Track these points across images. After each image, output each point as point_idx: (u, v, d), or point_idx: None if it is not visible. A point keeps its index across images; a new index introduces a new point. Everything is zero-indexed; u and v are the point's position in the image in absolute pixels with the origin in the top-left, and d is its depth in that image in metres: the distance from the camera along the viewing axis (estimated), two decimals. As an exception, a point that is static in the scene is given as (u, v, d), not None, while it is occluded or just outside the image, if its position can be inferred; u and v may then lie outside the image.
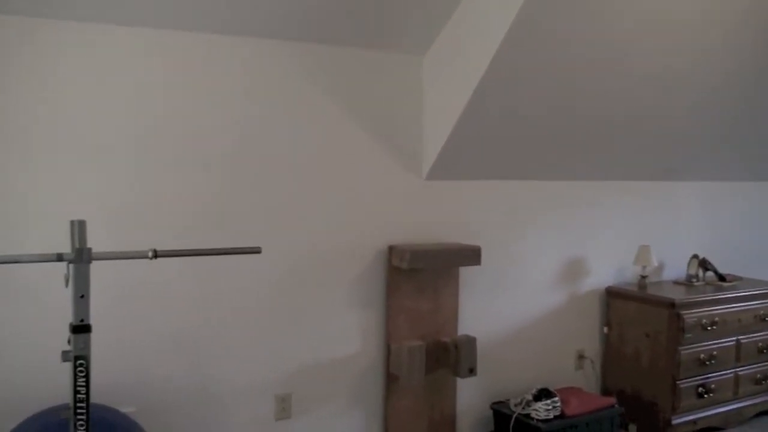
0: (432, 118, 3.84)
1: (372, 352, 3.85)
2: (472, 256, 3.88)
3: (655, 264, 4.71)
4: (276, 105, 3.47)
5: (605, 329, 4.75)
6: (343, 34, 3.52)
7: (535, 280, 4.47)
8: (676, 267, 5.14)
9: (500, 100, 3.59)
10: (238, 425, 3.50)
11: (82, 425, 2.31)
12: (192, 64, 3.26)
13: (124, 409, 2.99)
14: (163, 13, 3.08)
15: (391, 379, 3.84)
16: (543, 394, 4.03)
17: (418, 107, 3.89)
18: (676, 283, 4.97)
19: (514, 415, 3.98)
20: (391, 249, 3.80)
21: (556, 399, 3.99)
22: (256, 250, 2.59)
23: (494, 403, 4.20)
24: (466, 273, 4.09)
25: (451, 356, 3.85)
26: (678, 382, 4.35)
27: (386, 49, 3.72)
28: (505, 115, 3.71)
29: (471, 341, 3.85)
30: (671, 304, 4.32)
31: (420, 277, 3.87)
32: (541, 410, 3.93)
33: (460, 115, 3.59)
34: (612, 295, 4.72)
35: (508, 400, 4.17)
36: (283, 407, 3.59)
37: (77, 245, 2.27)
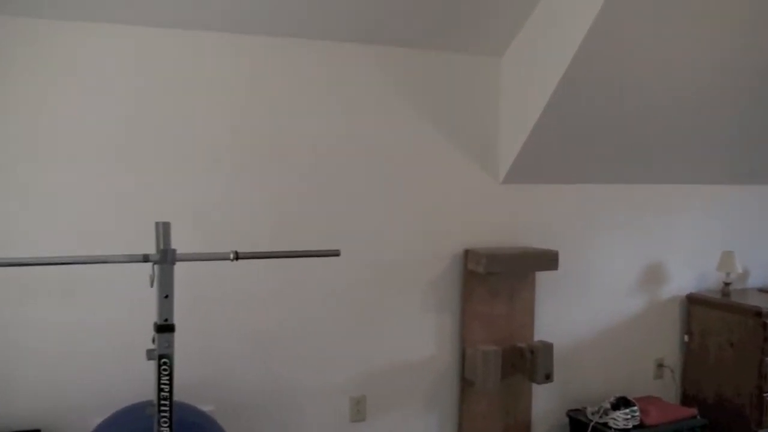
0: (509, 120, 3.79)
1: (447, 356, 3.83)
2: (549, 260, 3.82)
3: (740, 270, 4.55)
4: (354, 109, 3.49)
5: (686, 337, 4.62)
6: (421, 37, 3.51)
7: (613, 285, 4.37)
8: (762, 274, 4.96)
9: (579, 101, 3.52)
10: (314, 426, 3.53)
11: (165, 422, 2.36)
12: (271, 69, 3.31)
13: (204, 407, 3.05)
14: (247, 18, 3.13)
15: (466, 384, 3.82)
16: (621, 402, 3.94)
17: (495, 109, 3.85)
18: (762, 290, 4.80)
19: (592, 424, 3.91)
20: (467, 253, 3.77)
21: (635, 408, 3.89)
22: (335, 253, 2.60)
23: (570, 411, 4.12)
24: (542, 277, 4.03)
25: (526, 362, 3.80)
26: (765, 395, 4.19)
27: (464, 51, 3.69)
28: (583, 117, 3.63)
29: (548, 347, 3.78)
30: (757, 313, 4.17)
31: (496, 281, 3.83)
32: (620, 419, 3.84)
33: (539, 118, 3.54)
34: (693, 302, 4.58)
35: (585, 408, 4.10)
36: (358, 409, 3.61)
37: (162, 246, 2.32)
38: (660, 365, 4.61)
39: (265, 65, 3.30)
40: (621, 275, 4.40)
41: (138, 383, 3.00)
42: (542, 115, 3.52)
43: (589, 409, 4.03)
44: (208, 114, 3.21)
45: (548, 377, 3.77)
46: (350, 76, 3.47)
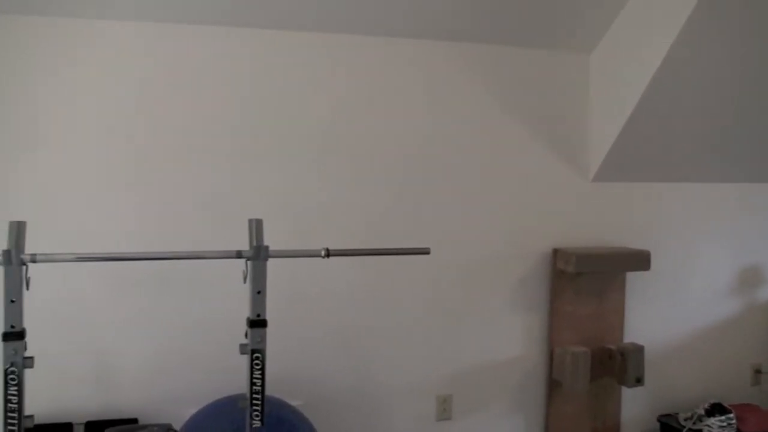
0: (599, 117, 3.71)
1: (534, 356, 3.78)
2: (640, 260, 3.72)
3: (843, 274, 4.34)
4: (443, 107, 3.49)
5: (785, 343, 4.44)
6: (510, 34, 3.48)
7: (707, 287, 4.22)
8: None
9: (672, 98, 3.41)
10: (400, 423, 3.54)
11: (257, 415, 2.40)
12: (363, 68, 3.35)
13: (293, 402, 3.09)
14: (342, 18, 3.18)
15: (553, 385, 3.76)
16: (716, 409, 3.81)
17: (584, 107, 3.77)
18: None
19: (684, 430, 3.79)
20: (556, 252, 3.71)
21: (731, 416, 3.75)
22: (425, 251, 2.60)
23: (662, 416, 4.01)
24: (633, 278, 3.93)
25: (616, 364, 3.71)
26: None
27: (553, 47, 3.63)
28: (676, 114, 3.52)
29: (638, 350, 3.69)
30: None
31: (585, 281, 3.75)
32: (715, 426, 3.71)
33: (630, 115, 3.45)
34: (794, 307, 4.39)
35: (677, 413, 3.97)
36: (444, 408, 3.60)
37: (255, 243, 2.36)
38: (757, 371, 4.43)
39: (357, 64, 3.33)
40: (715, 277, 4.25)
41: (230, 377, 3.08)
42: (634, 112, 3.43)
43: (682, 415, 3.91)
44: (301, 113, 3.27)
45: (639, 380, 3.68)
46: (439, 74, 3.46)
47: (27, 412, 2.24)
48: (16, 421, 2.20)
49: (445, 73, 3.47)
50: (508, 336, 3.73)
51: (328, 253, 2.45)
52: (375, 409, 3.49)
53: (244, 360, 2.43)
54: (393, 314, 3.49)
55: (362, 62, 3.34)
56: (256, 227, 2.39)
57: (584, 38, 3.63)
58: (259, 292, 2.37)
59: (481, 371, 3.67)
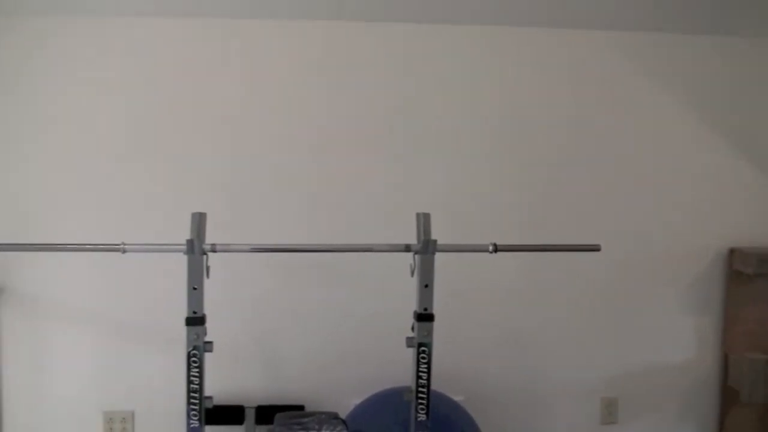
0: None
1: (706, 361, 3.57)
2: (831, 263, 3.42)
3: None
4: (614, 101, 3.36)
5: None
6: (687, 21, 3.29)
7: None
8: None
9: None
10: (563, 425, 3.46)
11: (422, 409, 2.41)
12: (511, 59, 3.30)
13: (455, 397, 3.08)
14: (495, 9, 3.13)
15: (728, 394, 3.53)
16: None
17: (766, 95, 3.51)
18: None
19: None
20: (732, 252, 3.48)
21: None
22: (595, 248, 2.51)
23: None
24: (820, 282, 3.62)
25: (801, 374, 3.44)
26: None
27: (734, 34, 3.40)
28: None
29: (828, 360, 3.40)
30: None
31: (765, 283, 3.50)
32: None
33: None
34: None
35: None
36: (609, 411, 3.47)
37: (423, 237, 2.36)
38: None
39: (524, 57, 3.29)
40: None
41: (394, 369, 3.10)
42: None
43: None
44: (463, 107, 3.25)
45: (826, 393, 3.39)
46: (608, 65, 3.33)
47: (206, 393, 2.36)
48: (197, 401, 2.32)
49: (616, 64, 3.34)
50: (678, 339, 3.53)
51: (496, 249, 2.41)
52: (537, 409, 3.42)
53: (409, 353, 2.44)
54: (557, 311, 3.40)
55: (530, 55, 3.28)
56: (424, 221, 2.39)
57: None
58: (426, 286, 2.37)
59: (648, 374, 3.50)
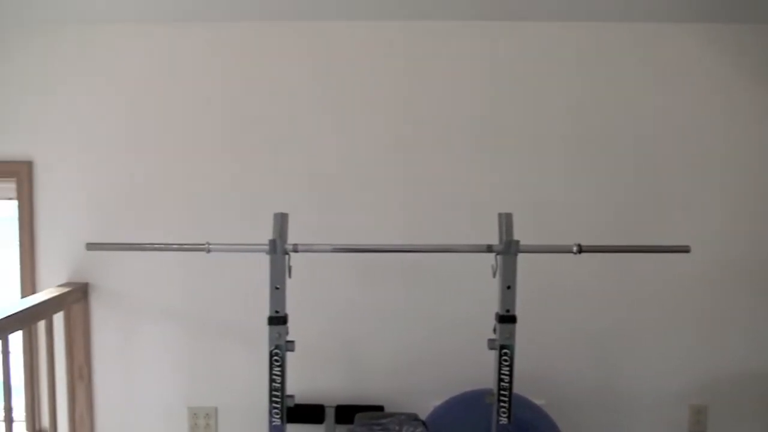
0: None
1: (803, 370, 3.41)
2: None
3: None
4: (703, 98, 3.23)
5: None
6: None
7: None
8: None
9: None
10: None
11: (504, 412, 2.37)
12: (593, 57, 3.21)
13: (536, 401, 3.02)
14: (581, 6, 3.07)
15: (827, 404, 3.37)
16: None
17: None
18: None
19: None
20: (832, 254, 3.31)
21: None
22: (684, 249, 2.42)
23: None
24: None
25: None
26: None
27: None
28: None
29: None
30: None
31: None
32: None
33: None
34: None
35: None
36: (698, 419, 3.34)
37: (505, 237, 2.33)
38: None
39: (586, 53, 3.21)
40: None
41: (473, 371, 3.07)
42: None
43: None
44: (546, 105, 3.20)
45: None
46: (685, 60, 3.22)
47: (288, 392, 2.38)
48: (279, 400, 2.35)
49: (710, 59, 3.22)
50: (773, 345, 3.39)
51: (581, 249, 2.35)
52: (621, 415, 3.32)
53: (489, 355, 2.41)
54: (643, 314, 3.29)
55: (612, 51, 3.20)
56: (506, 221, 2.36)
57: None
58: (508, 287, 2.34)
59: (741, 383, 3.36)
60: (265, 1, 3.07)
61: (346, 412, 3.16)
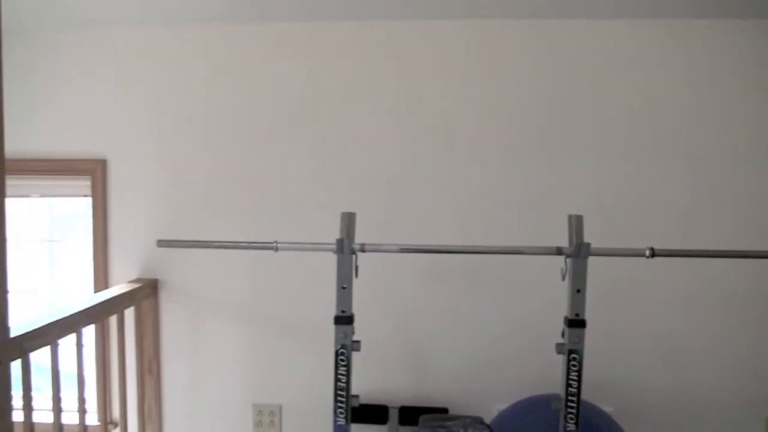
0: None
1: None
2: None
3: None
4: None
5: None
6: None
7: None
8: None
9: None
10: (721, 443, 3.25)
11: (572, 418, 2.32)
12: (678, 52, 3.12)
13: (605, 408, 2.96)
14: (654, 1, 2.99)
15: None
16: None
17: None
18: None
19: None
20: None
21: None
22: (765, 255, 2.34)
23: None
24: None
25: None
26: None
27: None
28: None
29: None
30: None
31: None
32: None
33: None
34: None
35: None
36: (775, 432, 3.23)
37: (576, 240, 2.28)
38: None
39: (655, 48, 3.12)
40: None
41: (539, 375, 3.03)
42: None
43: None
44: (615, 104, 3.12)
45: None
46: (757, 59, 3.11)
47: (354, 392, 2.38)
48: (344, 399, 2.35)
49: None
50: None
51: (653, 253, 2.29)
52: (692, 425, 3.21)
53: (556, 359, 2.37)
54: (718, 321, 3.17)
55: (694, 48, 3.11)
56: (576, 223, 2.31)
57: None
58: (578, 291, 2.29)
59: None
60: (338, 1, 3.07)
61: (409, 414, 3.15)
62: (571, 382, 2.31)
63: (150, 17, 3.22)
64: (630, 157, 3.14)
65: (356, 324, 2.37)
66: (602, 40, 3.12)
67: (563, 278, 2.32)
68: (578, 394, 2.32)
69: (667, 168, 3.14)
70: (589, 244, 2.26)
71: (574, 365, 2.31)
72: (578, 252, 2.27)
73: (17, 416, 2.12)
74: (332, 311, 2.35)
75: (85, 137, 3.33)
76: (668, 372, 3.21)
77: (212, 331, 3.35)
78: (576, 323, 2.29)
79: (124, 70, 3.31)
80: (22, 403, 2.24)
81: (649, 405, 3.22)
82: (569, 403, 2.32)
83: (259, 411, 3.35)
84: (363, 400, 3.21)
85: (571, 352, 2.30)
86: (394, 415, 3.19)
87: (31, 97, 3.29)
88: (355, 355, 2.38)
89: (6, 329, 2.03)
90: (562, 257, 2.32)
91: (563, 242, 2.35)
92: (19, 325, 2.22)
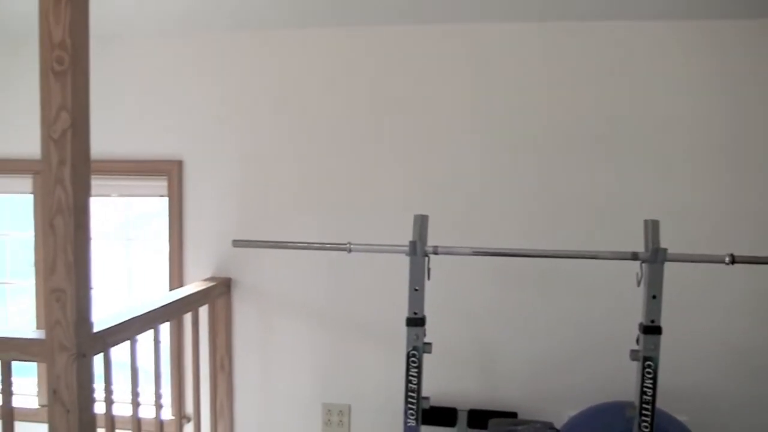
0: None
1: None
2: None
3: None
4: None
5: None
6: None
7: None
8: None
9: None
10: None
11: (646, 427, 2.29)
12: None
13: (679, 417, 2.90)
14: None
15: None
16: None
17: None
18: None
19: None
20: None
21: None
22: None
23: None
24: None
25: None
26: None
27: None
28: None
29: None
30: None
31: None
32: None
33: None
34: None
35: None
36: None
37: (652, 245, 2.24)
38: None
39: (730, 50, 3.03)
40: None
41: (611, 382, 2.98)
42: None
43: None
44: (690, 106, 3.06)
45: None
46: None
47: (423, 393, 2.39)
48: (414, 401, 2.36)
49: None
50: None
51: (733, 260, 2.24)
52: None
53: (629, 366, 2.33)
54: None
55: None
56: (652, 228, 2.27)
57: None
58: (654, 297, 2.25)
59: None
60: (419, 5, 3.08)
61: (478, 417, 3.14)
62: (645, 389, 2.28)
63: (234, 23, 3.29)
64: (710, 160, 3.06)
65: (427, 326, 2.38)
66: (674, 41, 3.05)
67: (638, 284, 2.29)
68: (653, 402, 2.28)
69: (754, 170, 3.05)
70: (666, 250, 2.22)
71: (649, 372, 2.27)
72: (655, 257, 2.23)
73: (98, 409, 2.20)
74: (403, 313, 2.37)
75: (163, 139, 3.43)
76: (744, 382, 3.12)
77: (283, 329, 3.40)
78: (652, 330, 2.26)
79: (201, 75, 3.39)
80: (103, 395, 2.32)
81: (724, 415, 3.13)
82: (644, 411, 2.29)
83: (329, 410, 3.38)
84: (432, 402, 3.19)
85: (646, 359, 2.27)
86: (463, 418, 3.19)
87: (110, 100, 3.39)
88: (425, 356, 2.39)
89: (89, 324, 2.11)
90: (637, 262, 2.28)
91: (632, 247, 2.31)
92: (100, 320, 2.30)
